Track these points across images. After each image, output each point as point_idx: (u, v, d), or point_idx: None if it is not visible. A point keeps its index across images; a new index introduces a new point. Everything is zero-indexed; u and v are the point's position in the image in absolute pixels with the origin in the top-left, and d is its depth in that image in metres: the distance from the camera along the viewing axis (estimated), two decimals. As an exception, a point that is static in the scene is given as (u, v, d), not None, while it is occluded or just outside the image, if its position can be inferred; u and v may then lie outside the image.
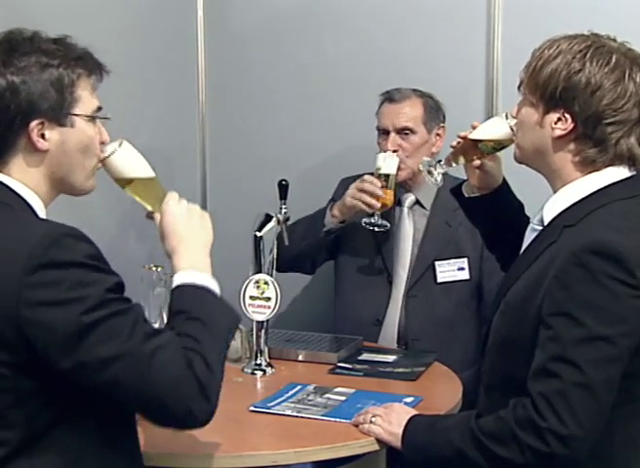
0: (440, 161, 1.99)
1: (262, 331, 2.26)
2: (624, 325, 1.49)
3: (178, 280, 1.49)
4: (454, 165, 1.96)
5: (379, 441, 1.78)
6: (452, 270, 2.61)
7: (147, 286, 2.31)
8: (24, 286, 1.27)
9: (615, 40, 1.62)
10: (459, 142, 1.94)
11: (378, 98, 2.66)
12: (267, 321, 2.26)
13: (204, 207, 3.08)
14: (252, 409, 1.94)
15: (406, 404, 1.93)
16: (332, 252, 2.74)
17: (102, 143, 1.52)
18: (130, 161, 1.61)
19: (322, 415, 1.90)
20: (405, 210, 2.67)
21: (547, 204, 1.66)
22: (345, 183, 2.64)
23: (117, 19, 2.80)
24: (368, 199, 2.51)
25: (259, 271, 2.25)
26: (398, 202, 2.67)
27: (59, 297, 1.28)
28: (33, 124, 1.40)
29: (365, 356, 2.39)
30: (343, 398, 2.02)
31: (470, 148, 1.92)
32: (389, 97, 2.63)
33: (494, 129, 1.88)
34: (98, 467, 1.39)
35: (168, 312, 1.46)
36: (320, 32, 3.06)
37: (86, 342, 1.29)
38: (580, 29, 1.64)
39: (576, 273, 1.49)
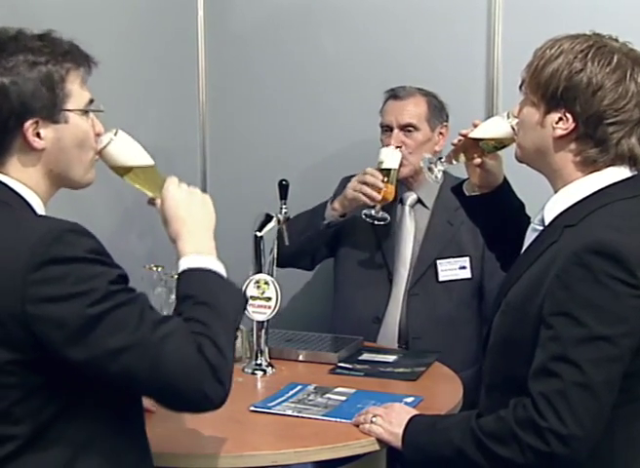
0: (441, 158, 2.00)
1: (263, 330, 2.26)
2: (625, 324, 1.49)
3: (183, 265, 1.48)
4: (454, 162, 1.97)
5: (379, 441, 1.78)
6: (453, 269, 2.61)
7: (148, 286, 2.32)
8: (29, 283, 1.28)
9: (617, 40, 1.61)
10: (460, 140, 1.94)
11: (378, 98, 2.67)
12: (268, 321, 2.26)
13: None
14: (252, 409, 1.94)
15: (406, 404, 1.93)
16: (332, 248, 2.74)
17: (98, 135, 1.52)
18: (126, 149, 1.61)
19: (322, 415, 1.90)
20: (407, 208, 2.67)
21: (548, 204, 1.66)
22: (346, 182, 2.64)
23: (117, 18, 2.80)
24: (369, 191, 2.51)
25: (259, 271, 2.25)
26: (400, 200, 2.68)
27: (63, 292, 1.29)
28: (27, 124, 1.40)
29: (365, 356, 2.39)
30: (344, 398, 2.02)
31: (471, 146, 1.92)
32: (394, 95, 2.64)
33: (495, 128, 1.88)
34: (107, 455, 1.40)
35: (175, 298, 1.47)
36: (320, 32, 3.06)
37: (94, 335, 1.29)
38: (581, 29, 1.64)
39: (576, 273, 1.49)
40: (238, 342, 2.28)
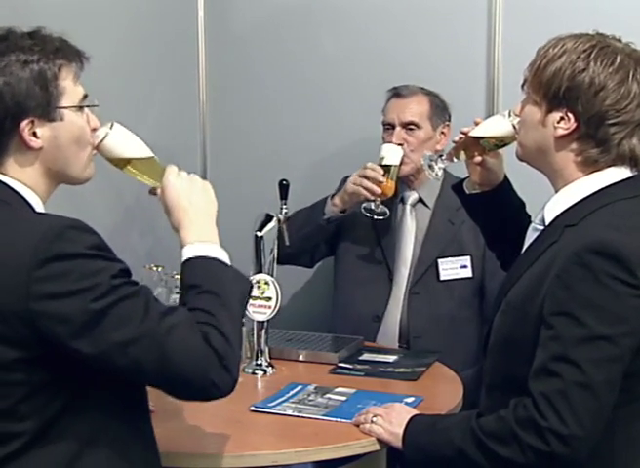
0: (442, 156, 2.00)
1: (263, 330, 2.26)
2: (626, 324, 1.49)
3: (186, 254, 1.49)
4: (455, 160, 1.97)
5: (379, 441, 1.78)
6: (454, 268, 2.61)
7: (148, 286, 2.31)
8: (32, 280, 1.28)
9: (620, 40, 1.61)
10: (461, 138, 1.94)
11: (378, 98, 2.67)
12: (268, 321, 2.26)
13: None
14: (252, 409, 1.94)
15: (407, 404, 1.93)
16: (332, 246, 2.75)
17: (94, 130, 1.52)
18: (123, 141, 1.61)
19: (323, 415, 1.90)
20: (408, 207, 2.68)
21: (549, 203, 1.66)
22: None
23: (118, 19, 2.80)
24: (369, 185, 2.52)
25: (259, 271, 2.25)
26: (401, 199, 2.68)
27: (67, 289, 1.29)
28: (23, 124, 1.40)
29: (366, 356, 2.39)
30: (344, 398, 2.02)
31: (472, 144, 1.92)
32: (397, 93, 2.65)
33: (496, 126, 1.88)
34: (113, 448, 1.40)
35: (180, 288, 1.48)
36: (320, 32, 3.06)
37: (100, 329, 1.30)
38: (581, 29, 1.64)
39: (577, 273, 1.49)
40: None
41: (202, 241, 1.50)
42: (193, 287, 1.44)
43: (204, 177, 3.35)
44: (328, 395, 2.03)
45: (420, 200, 2.69)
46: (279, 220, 2.34)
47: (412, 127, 2.61)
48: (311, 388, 2.08)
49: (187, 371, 1.34)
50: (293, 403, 1.98)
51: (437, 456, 1.66)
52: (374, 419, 1.80)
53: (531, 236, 1.70)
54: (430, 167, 1.99)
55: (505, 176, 1.99)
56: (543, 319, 1.53)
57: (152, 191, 1.63)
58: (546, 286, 1.53)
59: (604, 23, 1.65)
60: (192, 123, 3.21)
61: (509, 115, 1.83)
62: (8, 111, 1.39)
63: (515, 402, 1.55)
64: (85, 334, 1.30)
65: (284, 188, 2.42)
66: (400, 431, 1.73)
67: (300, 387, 2.09)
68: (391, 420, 1.77)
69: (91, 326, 1.30)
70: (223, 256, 1.50)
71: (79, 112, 1.47)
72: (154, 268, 2.46)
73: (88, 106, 1.49)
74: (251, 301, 2.20)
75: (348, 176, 2.68)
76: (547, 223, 1.65)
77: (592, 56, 1.57)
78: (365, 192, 2.53)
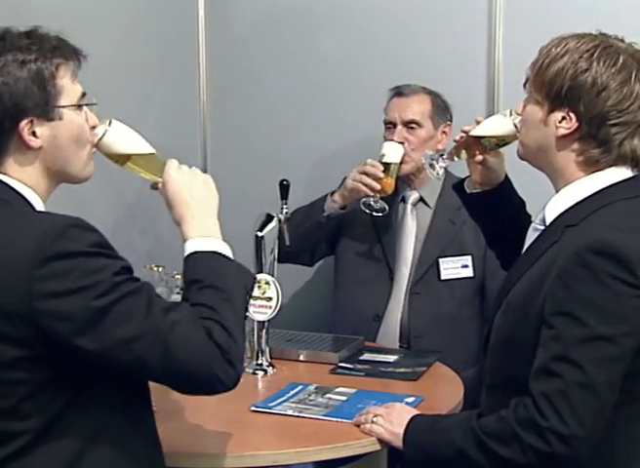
0: (442, 155, 2.00)
1: (264, 330, 2.26)
2: (626, 324, 1.48)
3: (188, 248, 1.49)
4: (456, 159, 1.97)
5: (380, 441, 1.78)
6: (455, 267, 2.61)
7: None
8: (35, 279, 1.28)
9: (623, 41, 1.61)
10: (461, 137, 1.94)
11: (379, 98, 2.68)
12: (269, 321, 2.26)
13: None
14: (253, 409, 1.94)
15: (407, 404, 1.93)
16: (332, 245, 2.75)
17: (93, 128, 1.52)
18: (122, 137, 1.61)
19: (323, 415, 1.90)
20: (409, 207, 2.68)
21: (549, 203, 1.66)
22: None
23: (118, 18, 2.80)
24: (369, 181, 2.52)
25: (260, 271, 2.25)
26: (402, 199, 2.69)
27: (69, 287, 1.29)
28: (22, 124, 1.40)
29: (366, 356, 2.39)
30: (345, 398, 2.01)
31: (473, 143, 1.92)
32: (398, 92, 2.66)
33: (497, 125, 1.88)
34: (116, 445, 1.40)
35: (182, 283, 1.48)
36: (321, 32, 3.06)
37: (103, 326, 1.30)
38: (582, 29, 1.63)
39: (578, 273, 1.49)
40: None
41: (204, 235, 1.50)
42: (195, 282, 1.44)
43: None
44: (328, 395, 2.03)
45: (422, 199, 2.69)
46: (280, 220, 2.34)
47: (413, 126, 2.61)
48: (312, 388, 2.08)
49: (191, 367, 1.34)
50: (293, 403, 1.98)
51: (438, 456, 1.66)
52: (374, 419, 1.80)
53: (531, 236, 1.70)
54: (431, 166, 1.99)
55: (506, 176, 1.98)
56: (544, 319, 1.53)
57: (154, 186, 1.63)
58: (547, 286, 1.53)
59: (605, 23, 1.65)
60: (193, 123, 3.21)
61: (510, 114, 1.83)
62: (7, 111, 1.39)
63: (516, 402, 1.55)
64: (88, 332, 1.30)
65: (284, 188, 2.42)
66: (401, 431, 1.73)
67: (300, 387, 2.09)
68: (392, 420, 1.77)
69: (94, 323, 1.30)
70: (226, 250, 1.50)
71: (78, 111, 1.46)
72: (155, 268, 2.46)
73: (86, 105, 1.49)
74: (251, 301, 2.21)
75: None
76: (548, 223, 1.64)
77: (595, 56, 1.56)
78: (364, 188, 2.53)
